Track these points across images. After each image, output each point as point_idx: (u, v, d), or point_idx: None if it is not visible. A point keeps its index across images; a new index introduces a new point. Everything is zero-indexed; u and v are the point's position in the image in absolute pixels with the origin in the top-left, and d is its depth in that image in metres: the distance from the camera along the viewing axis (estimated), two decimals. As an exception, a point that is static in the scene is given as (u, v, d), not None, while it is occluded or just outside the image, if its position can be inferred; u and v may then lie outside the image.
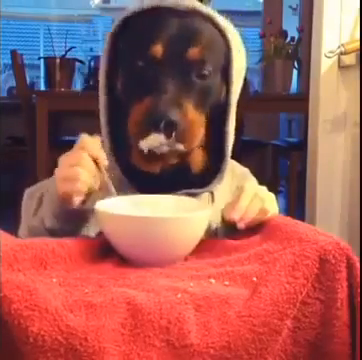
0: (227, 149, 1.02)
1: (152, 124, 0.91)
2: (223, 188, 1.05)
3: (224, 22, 1.01)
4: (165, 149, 0.94)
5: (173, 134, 0.91)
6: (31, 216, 1.01)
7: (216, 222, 1.00)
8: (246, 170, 1.18)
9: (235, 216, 0.93)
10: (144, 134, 0.93)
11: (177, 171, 1.00)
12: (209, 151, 1.03)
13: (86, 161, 0.90)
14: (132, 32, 0.99)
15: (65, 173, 0.90)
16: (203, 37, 0.97)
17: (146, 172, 1.00)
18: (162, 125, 0.90)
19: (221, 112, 1.01)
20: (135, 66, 0.96)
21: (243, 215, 0.93)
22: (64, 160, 0.92)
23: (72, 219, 0.94)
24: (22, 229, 1.05)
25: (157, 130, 0.91)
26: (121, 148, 1.01)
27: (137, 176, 1.01)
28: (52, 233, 0.94)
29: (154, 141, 0.92)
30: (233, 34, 1.02)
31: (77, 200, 0.90)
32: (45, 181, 1.09)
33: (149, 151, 0.95)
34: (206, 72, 0.96)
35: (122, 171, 1.01)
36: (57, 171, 0.92)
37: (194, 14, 0.98)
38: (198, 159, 1.02)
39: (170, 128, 0.91)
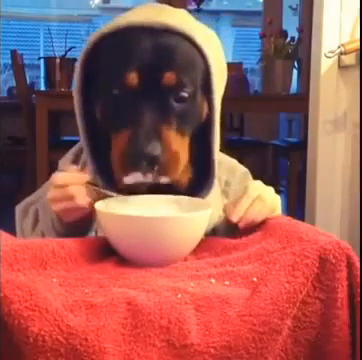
0: (213, 164, 0.99)
1: (133, 163, 0.88)
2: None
3: (200, 35, 0.95)
4: (148, 183, 0.91)
5: (156, 168, 0.88)
6: (30, 233, 1.02)
7: (211, 223, 1.00)
8: (234, 162, 1.16)
9: (234, 218, 0.93)
10: (126, 170, 0.90)
11: (164, 191, 0.96)
12: (195, 167, 0.99)
13: (70, 178, 0.91)
14: (105, 57, 0.95)
15: (54, 194, 0.92)
16: (179, 58, 0.92)
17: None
18: (144, 164, 0.87)
19: (205, 128, 0.97)
20: (111, 94, 0.92)
21: (242, 217, 0.93)
22: (50, 185, 0.94)
23: (75, 231, 0.94)
24: None
25: (138, 169, 0.88)
26: (105, 170, 0.96)
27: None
28: None
29: (136, 178, 0.90)
30: (210, 43, 0.97)
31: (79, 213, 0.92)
32: (33, 196, 1.11)
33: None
34: (185, 94, 0.93)
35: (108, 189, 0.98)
36: (48, 194, 0.93)
37: (168, 32, 0.93)
38: (184, 179, 0.99)
39: (152, 165, 0.88)
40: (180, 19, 0.96)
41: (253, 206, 0.94)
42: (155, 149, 0.87)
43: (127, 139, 0.89)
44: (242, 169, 1.16)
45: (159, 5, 1.05)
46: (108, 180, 0.96)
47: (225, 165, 1.12)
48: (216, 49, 1.00)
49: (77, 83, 0.97)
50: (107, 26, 0.95)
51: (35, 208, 1.03)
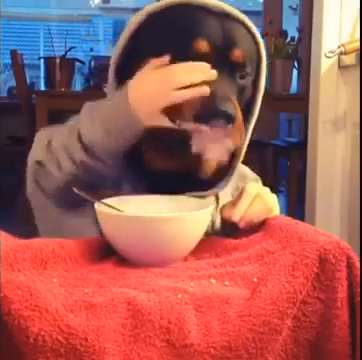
0: (242, 152, 1.02)
1: (209, 116, 0.87)
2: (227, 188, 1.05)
3: (254, 28, 1.00)
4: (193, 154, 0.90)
5: (229, 126, 0.88)
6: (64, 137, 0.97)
7: (219, 221, 1.00)
8: (245, 168, 1.16)
9: (235, 217, 0.93)
10: (199, 117, 0.87)
11: (187, 171, 0.97)
12: None
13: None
14: (167, 24, 0.96)
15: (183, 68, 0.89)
16: (241, 41, 0.97)
17: (155, 171, 0.98)
18: (219, 120, 0.87)
19: (245, 112, 0.99)
20: (175, 58, 0.91)
21: (243, 216, 0.93)
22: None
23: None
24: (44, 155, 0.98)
25: (215, 119, 0.87)
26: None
27: (145, 174, 0.99)
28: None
29: (202, 129, 0.88)
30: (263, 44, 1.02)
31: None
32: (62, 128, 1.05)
33: (170, 145, 0.92)
34: (246, 74, 0.97)
35: (131, 167, 0.98)
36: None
37: (228, 16, 0.97)
38: (208, 167, 0.99)
39: (226, 122, 0.87)
40: (237, 11, 1.00)
41: (253, 205, 0.94)
42: (231, 109, 0.88)
43: (205, 94, 0.87)
44: (253, 175, 1.16)
45: None
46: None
47: (236, 170, 1.10)
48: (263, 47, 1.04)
49: (124, 43, 0.97)
50: (163, 1, 0.96)
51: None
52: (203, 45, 0.92)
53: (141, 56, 0.95)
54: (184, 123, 0.88)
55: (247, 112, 1.00)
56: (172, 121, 0.89)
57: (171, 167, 0.97)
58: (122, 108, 0.90)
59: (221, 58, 0.93)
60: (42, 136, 1.03)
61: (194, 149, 0.90)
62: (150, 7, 0.97)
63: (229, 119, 0.88)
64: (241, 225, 0.94)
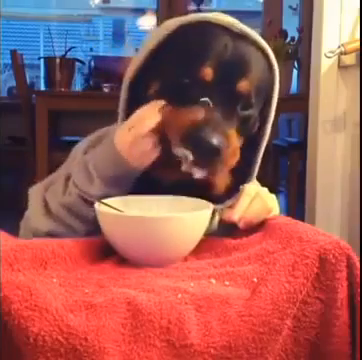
0: (252, 177, 1.01)
1: (193, 144, 0.87)
2: None
3: (271, 52, 0.98)
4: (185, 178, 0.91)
5: (215, 157, 0.87)
6: (60, 196, 0.99)
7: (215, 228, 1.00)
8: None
9: (234, 217, 0.93)
10: (181, 144, 0.88)
11: (194, 187, 0.95)
12: (234, 175, 0.98)
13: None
14: (181, 45, 0.95)
15: (129, 124, 0.92)
16: (254, 68, 0.94)
17: (158, 181, 0.97)
18: (202, 151, 0.86)
19: (252, 140, 0.98)
20: (180, 81, 0.91)
21: (242, 216, 0.93)
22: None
23: (126, 177, 0.94)
24: (35, 222, 1.01)
25: (194, 152, 0.87)
26: None
27: (148, 184, 0.97)
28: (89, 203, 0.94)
29: (187, 155, 0.88)
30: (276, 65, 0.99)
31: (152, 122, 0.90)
32: (51, 176, 1.07)
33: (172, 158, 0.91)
34: (251, 105, 0.94)
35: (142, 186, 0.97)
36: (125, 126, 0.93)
37: (246, 39, 0.94)
38: (221, 184, 0.97)
39: (208, 155, 0.87)
40: (254, 32, 0.96)
41: (252, 205, 0.94)
42: (220, 142, 0.86)
43: (195, 121, 0.87)
44: (255, 189, 1.14)
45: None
46: None
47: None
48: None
49: (145, 52, 0.96)
50: (183, 17, 0.95)
51: (67, 175, 1.01)
52: (207, 72, 0.90)
53: (160, 69, 0.95)
54: (174, 147, 0.89)
55: (253, 139, 0.99)
56: (164, 142, 0.90)
57: (170, 178, 0.96)
58: (112, 155, 0.93)
59: (224, 87, 0.91)
60: (36, 195, 1.04)
61: (183, 168, 0.90)
62: (170, 24, 0.95)
63: (212, 151, 0.86)
64: (240, 225, 0.94)
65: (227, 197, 0.98)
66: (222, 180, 0.97)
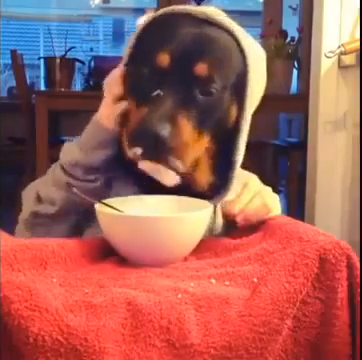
0: (232, 171, 0.96)
1: (139, 139, 0.87)
2: None
3: (246, 38, 0.94)
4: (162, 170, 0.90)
5: (164, 147, 0.85)
6: (50, 182, 1.02)
7: (219, 223, 1.00)
8: (252, 178, 1.10)
9: (235, 209, 0.93)
10: (131, 145, 0.88)
11: (181, 190, 0.94)
12: (218, 172, 0.97)
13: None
14: (146, 37, 0.96)
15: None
16: (216, 51, 0.90)
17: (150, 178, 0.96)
18: (149, 142, 0.85)
19: (230, 138, 0.95)
20: (140, 72, 0.91)
21: (242, 209, 0.93)
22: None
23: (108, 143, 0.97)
24: (29, 208, 1.03)
25: (142, 145, 0.87)
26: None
27: (141, 180, 0.97)
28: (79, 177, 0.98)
29: (137, 153, 0.88)
30: (254, 50, 0.95)
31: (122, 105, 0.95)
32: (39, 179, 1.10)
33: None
34: (213, 90, 0.89)
35: (128, 170, 0.98)
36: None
37: (212, 24, 0.91)
38: (203, 181, 0.97)
39: (157, 145, 0.85)
40: (225, 18, 0.95)
41: (252, 201, 0.94)
42: (164, 130, 0.85)
43: (142, 115, 0.88)
44: (258, 186, 1.14)
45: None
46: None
47: (240, 181, 1.05)
48: (259, 58, 0.97)
49: (126, 53, 0.99)
50: (162, 10, 0.97)
51: (51, 168, 1.05)
52: (164, 59, 0.89)
53: (130, 69, 0.97)
54: (127, 150, 0.90)
55: (232, 139, 0.95)
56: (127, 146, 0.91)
57: (160, 186, 0.95)
58: (92, 124, 1.00)
59: (181, 72, 0.88)
60: (29, 192, 1.06)
61: (139, 166, 0.91)
62: (147, 17, 0.97)
63: (156, 139, 0.84)
64: (239, 219, 0.94)
65: (217, 193, 0.97)
66: (202, 176, 0.96)
